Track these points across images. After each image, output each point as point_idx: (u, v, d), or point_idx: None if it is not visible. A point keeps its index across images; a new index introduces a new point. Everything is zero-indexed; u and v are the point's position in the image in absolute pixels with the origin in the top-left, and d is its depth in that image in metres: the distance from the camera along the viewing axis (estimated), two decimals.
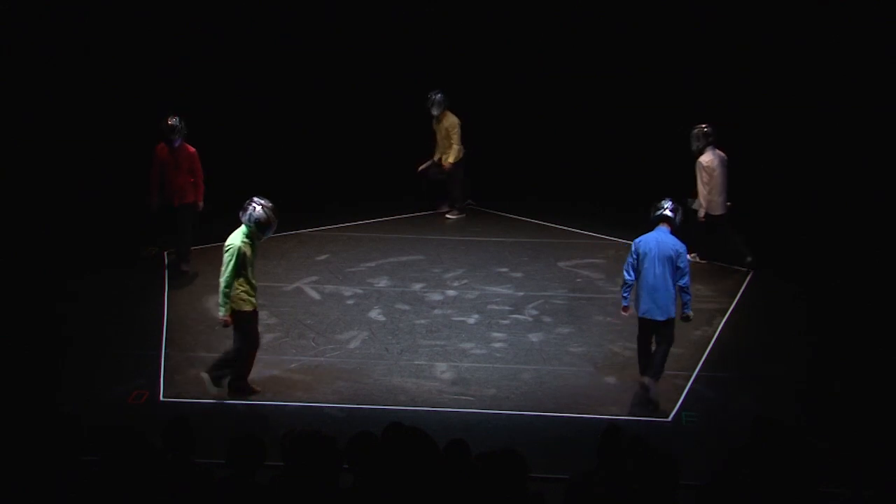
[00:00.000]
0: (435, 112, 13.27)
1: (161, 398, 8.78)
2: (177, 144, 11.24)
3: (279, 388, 8.99)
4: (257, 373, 9.24)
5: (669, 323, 8.66)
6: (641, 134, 14.16)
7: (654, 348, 8.74)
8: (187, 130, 11.27)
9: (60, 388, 8.90)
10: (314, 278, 11.41)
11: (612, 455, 5.67)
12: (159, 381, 9.03)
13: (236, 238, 8.51)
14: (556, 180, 14.36)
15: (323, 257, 12.06)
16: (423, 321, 10.35)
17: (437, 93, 13.18)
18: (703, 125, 11.58)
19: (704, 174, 11.46)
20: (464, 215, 13.62)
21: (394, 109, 14.08)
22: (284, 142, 14.68)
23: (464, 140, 13.30)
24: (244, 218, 8.53)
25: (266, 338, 9.94)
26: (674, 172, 13.63)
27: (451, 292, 11.08)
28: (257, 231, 8.52)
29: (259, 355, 9.56)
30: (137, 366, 9.32)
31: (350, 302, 10.83)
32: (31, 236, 12.26)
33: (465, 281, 11.40)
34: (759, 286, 11.32)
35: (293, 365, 9.41)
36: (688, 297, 8.71)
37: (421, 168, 13.55)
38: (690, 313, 8.86)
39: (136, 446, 5.47)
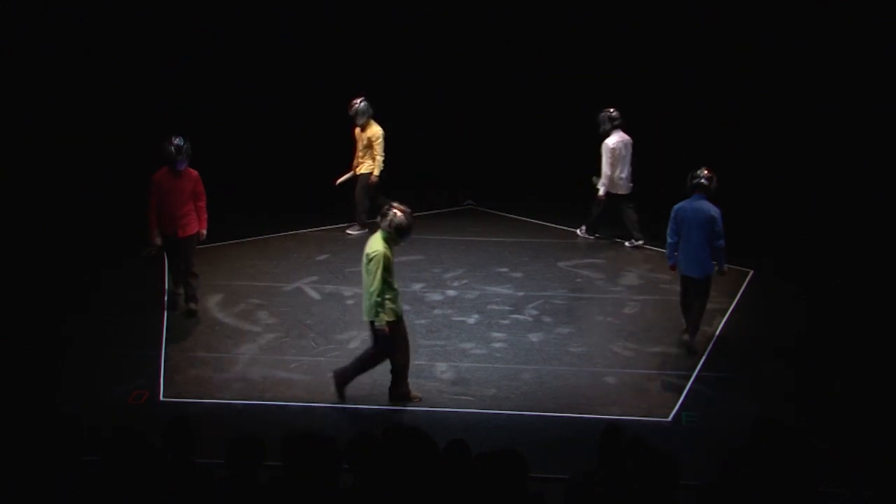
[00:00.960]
0: (359, 121, 12.52)
1: (161, 398, 8.78)
2: (181, 168, 10.14)
3: (279, 388, 8.99)
4: (258, 372, 9.27)
5: (707, 279, 9.56)
6: (642, 134, 14.15)
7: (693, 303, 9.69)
8: (192, 151, 10.20)
9: (60, 388, 8.90)
10: (314, 278, 11.41)
11: (612, 455, 5.67)
12: (159, 381, 9.03)
13: (378, 244, 8.32)
14: (556, 180, 14.36)
15: (323, 257, 12.06)
16: (423, 321, 10.34)
17: (361, 100, 12.43)
18: (611, 109, 12.19)
19: (609, 156, 12.15)
20: (367, 231, 12.33)
21: (391, 109, 14.07)
22: (284, 141, 14.68)
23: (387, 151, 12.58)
24: (384, 224, 8.35)
25: (266, 338, 9.96)
26: (673, 172, 13.67)
27: (451, 292, 11.08)
28: (396, 237, 8.39)
29: (259, 355, 9.60)
30: (137, 366, 9.32)
31: (350, 302, 10.82)
32: (31, 236, 12.26)
33: (465, 281, 11.40)
34: (759, 286, 11.32)
35: (293, 365, 9.41)
36: (722, 255, 9.52)
37: (339, 181, 12.70)
38: (726, 267, 9.65)
39: (136, 446, 5.47)
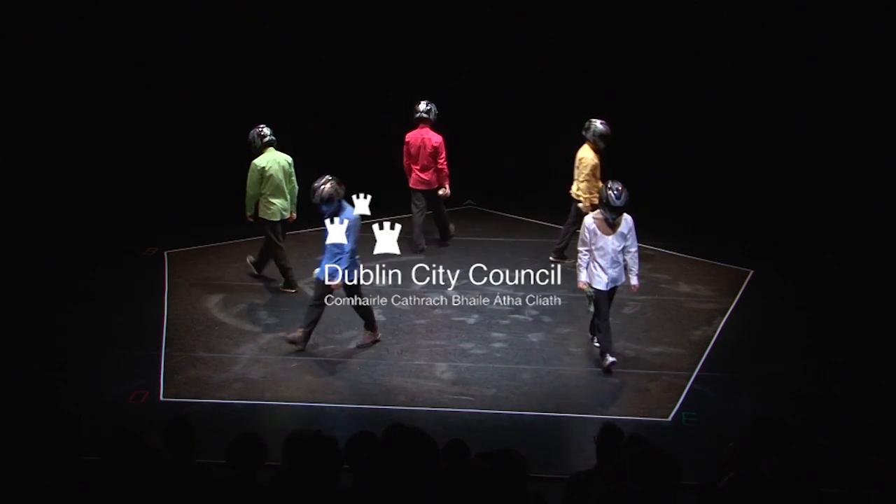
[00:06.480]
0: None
1: (161, 398, 8.79)
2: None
3: (279, 388, 8.99)
4: (258, 372, 9.27)
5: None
6: (641, 133, 14.16)
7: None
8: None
9: (60, 388, 8.90)
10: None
11: (612, 455, 5.67)
12: (159, 381, 9.04)
13: None
14: (556, 180, 14.32)
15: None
16: (423, 321, 10.34)
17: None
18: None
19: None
20: None
21: (389, 109, 14.06)
22: (285, 141, 14.65)
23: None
24: None
25: (266, 338, 9.96)
26: (670, 172, 13.67)
27: (451, 292, 11.05)
28: None
29: (259, 355, 9.60)
30: (137, 366, 9.33)
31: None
32: (31, 236, 12.26)
33: (464, 281, 11.38)
34: (759, 286, 11.31)
35: (293, 365, 9.41)
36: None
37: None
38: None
39: (135, 447, 5.47)
